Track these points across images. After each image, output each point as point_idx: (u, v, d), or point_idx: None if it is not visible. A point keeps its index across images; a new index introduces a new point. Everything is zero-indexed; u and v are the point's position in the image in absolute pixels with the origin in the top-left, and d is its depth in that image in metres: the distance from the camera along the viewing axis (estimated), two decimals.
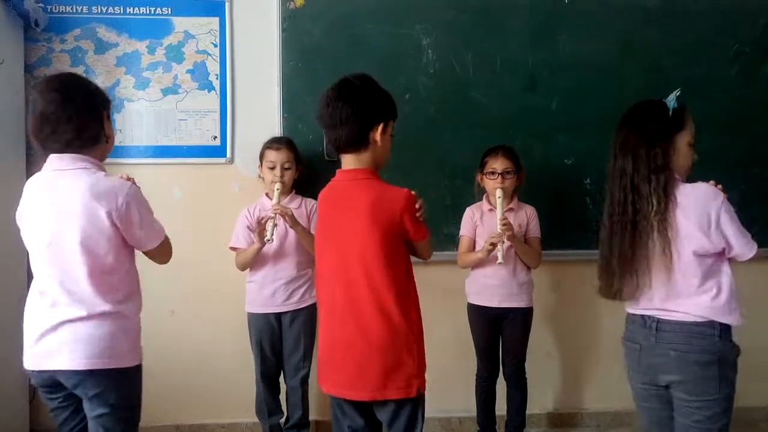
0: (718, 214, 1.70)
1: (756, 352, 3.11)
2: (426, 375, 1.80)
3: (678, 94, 1.80)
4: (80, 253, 1.64)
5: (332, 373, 1.80)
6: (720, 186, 1.77)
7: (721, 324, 1.72)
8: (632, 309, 1.85)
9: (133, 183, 1.76)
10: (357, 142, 1.75)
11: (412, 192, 1.78)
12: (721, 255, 1.75)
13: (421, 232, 1.80)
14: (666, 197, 1.72)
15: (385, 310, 1.71)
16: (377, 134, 1.75)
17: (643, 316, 1.81)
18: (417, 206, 1.79)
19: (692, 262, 1.72)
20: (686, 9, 2.96)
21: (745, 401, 3.14)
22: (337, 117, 1.73)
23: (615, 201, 1.80)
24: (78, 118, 1.67)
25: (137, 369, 1.75)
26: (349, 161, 1.79)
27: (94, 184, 1.66)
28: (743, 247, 1.73)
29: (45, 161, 1.72)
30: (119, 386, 1.70)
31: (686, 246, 1.71)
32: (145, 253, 1.84)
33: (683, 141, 1.79)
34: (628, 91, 2.87)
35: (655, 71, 2.91)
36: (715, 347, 1.71)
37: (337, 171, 1.83)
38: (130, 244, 1.75)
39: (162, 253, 1.86)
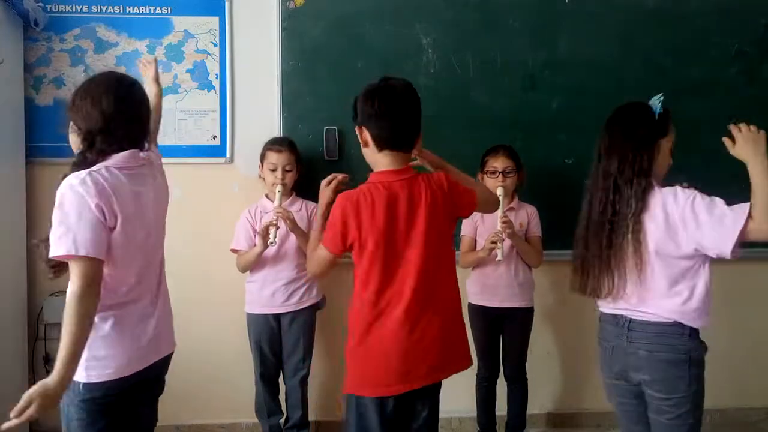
0: (683, 217, 1.68)
1: (756, 353, 3.14)
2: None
3: (662, 98, 1.81)
4: None
5: None
6: (690, 188, 1.74)
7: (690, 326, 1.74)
8: (605, 308, 1.87)
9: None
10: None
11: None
12: (698, 258, 1.72)
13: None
14: (643, 200, 1.74)
15: None
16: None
17: (615, 315, 1.83)
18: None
19: (659, 265, 1.73)
20: (686, 9, 2.95)
21: (745, 401, 3.17)
22: (410, 111, 1.77)
23: (596, 200, 1.82)
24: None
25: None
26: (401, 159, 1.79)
27: None
28: (719, 246, 1.64)
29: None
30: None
31: (652, 248, 1.73)
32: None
33: (666, 146, 1.82)
34: (628, 91, 2.80)
35: (655, 71, 2.91)
36: (685, 347, 1.73)
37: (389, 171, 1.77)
38: None
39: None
